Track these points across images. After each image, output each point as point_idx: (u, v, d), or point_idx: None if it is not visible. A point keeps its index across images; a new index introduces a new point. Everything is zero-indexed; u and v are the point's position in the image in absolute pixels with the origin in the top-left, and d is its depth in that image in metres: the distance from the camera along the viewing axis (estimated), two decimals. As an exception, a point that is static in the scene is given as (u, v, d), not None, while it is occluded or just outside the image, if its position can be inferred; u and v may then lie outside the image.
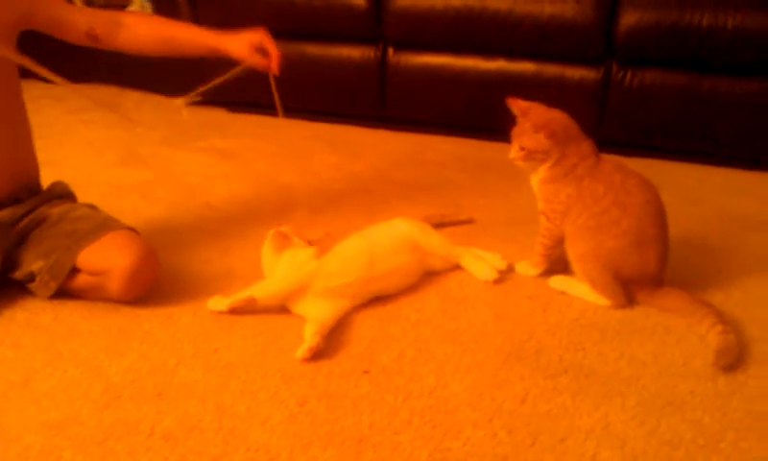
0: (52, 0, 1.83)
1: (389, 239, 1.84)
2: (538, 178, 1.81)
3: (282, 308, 1.70)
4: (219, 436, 1.28)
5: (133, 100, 3.85)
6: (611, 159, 1.80)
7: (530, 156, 1.77)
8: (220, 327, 1.64)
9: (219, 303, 1.69)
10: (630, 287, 1.71)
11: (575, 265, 1.77)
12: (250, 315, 1.68)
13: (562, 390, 1.42)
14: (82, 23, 1.83)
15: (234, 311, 1.68)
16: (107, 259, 1.68)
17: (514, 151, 1.79)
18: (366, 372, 1.48)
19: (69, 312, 1.70)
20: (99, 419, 1.33)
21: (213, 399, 1.38)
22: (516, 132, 1.79)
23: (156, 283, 1.75)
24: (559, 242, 1.81)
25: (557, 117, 1.77)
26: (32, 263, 1.72)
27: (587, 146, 1.78)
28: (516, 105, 1.79)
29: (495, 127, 3.02)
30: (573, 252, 1.76)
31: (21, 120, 1.86)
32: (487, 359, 1.52)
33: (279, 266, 1.76)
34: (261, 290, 1.70)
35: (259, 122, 3.42)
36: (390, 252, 1.80)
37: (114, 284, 1.67)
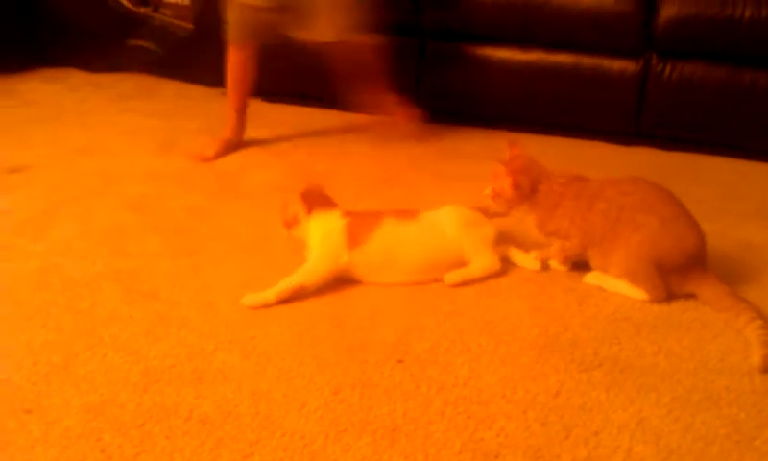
0: None
1: (424, 236, 1.85)
2: (532, 224, 1.88)
3: (318, 297, 1.73)
4: (255, 421, 1.30)
5: (170, 90, 3.88)
6: (594, 179, 1.86)
7: (496, 197, 1.88)
8: (257, 315, 1.66)
9: (257, 298, 1.70)
10: (677, 276, 1.70)
11: (612, 269, 1.76)
12: (285, 304, 1.70)
13: (596, 383, 1.42)
14: None
15: (282, 301, 1.71)
16: None
17: (488, 188, 1.90)
18: (400, 361, 1.49)
19: (109, 297, 1.73)
20: (138, 402, 1.35)
21: (250, 385, 1.40)
22: (496, 171, 1.89)
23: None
24: (580, 254, 1.83)
25: (527, 174, 1.85)
26: None
27: (561, 179, 1.85)
28: (512, 149, 1.92)
29: (532, 119, 3.04)
30: (607, 263, 1.77)
31: None
32: (521, 351, 1.52)
33: (312, 240, 1.84)
34: (306, 277, 1.75)
35: (295, 112, 3.43)
36: (419, 248, 1.83)
37: None
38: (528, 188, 1.84)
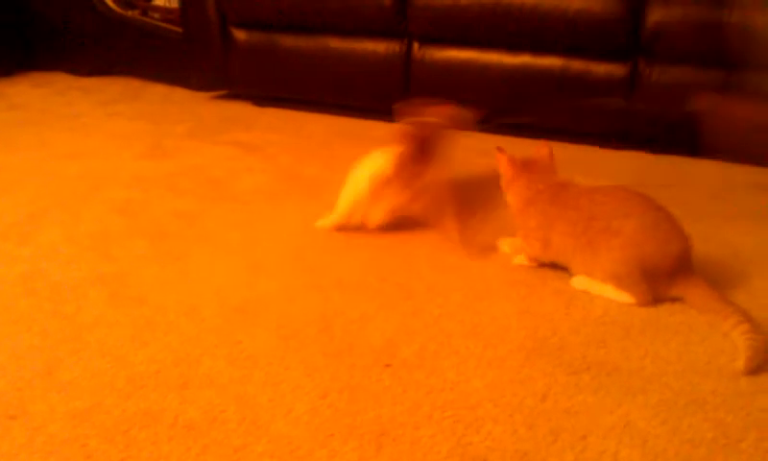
0: None
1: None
2: (510, 208, 1.95)
3: (306, 300, 1.72)
4: (242, 427, 1.29)
5: (157, 94, 3.87)
6: (576, 186, 1.87)
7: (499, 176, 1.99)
8: (243, 319, 1.65)
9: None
10: (664, 280, 1.70)
11: (597, 274, 1.76)
12: (273, 308, 1.69)
13: (583, 387, 1.42)
14: None
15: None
16: None
17: None
18: (387, 365, 1.48)
19: (94, 302, 1.72)
20: (123, 408, 1.34)
21: (236, 390, 1.39)
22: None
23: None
24: (540, 260, 1.90)
25: (514, 164, 1.94)
26: None
27: (546, 180, 1.90)
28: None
29: (521, 122, 3.04)
30: (591, 268, 1.77)
31: None
32: (509, 355, 1.52)
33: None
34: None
35: (284, 116, 3.44)
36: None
37: None
38: (510, 176, 1.94)
